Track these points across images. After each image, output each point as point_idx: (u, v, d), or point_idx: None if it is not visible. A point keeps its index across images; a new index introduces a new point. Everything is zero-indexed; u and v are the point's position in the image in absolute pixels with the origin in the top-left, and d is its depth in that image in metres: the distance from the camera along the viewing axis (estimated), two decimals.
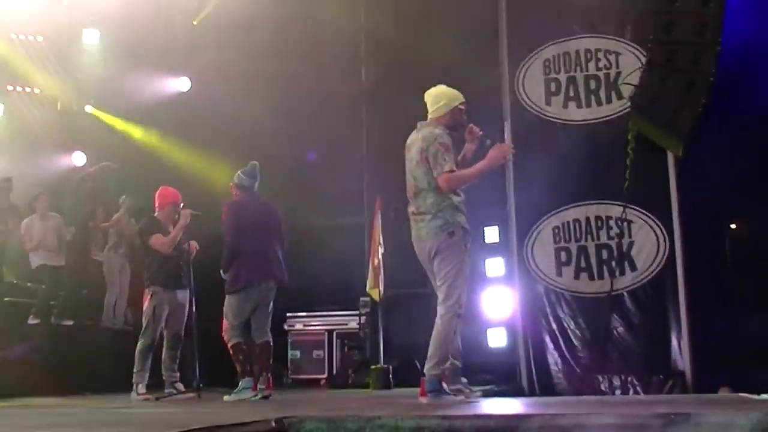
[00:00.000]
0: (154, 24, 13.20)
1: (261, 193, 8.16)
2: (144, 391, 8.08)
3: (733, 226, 11.57)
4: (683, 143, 8.69)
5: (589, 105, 9.24)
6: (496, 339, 9.66)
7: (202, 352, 8.23)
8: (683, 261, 8.65)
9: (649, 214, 8.81)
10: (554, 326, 8.89)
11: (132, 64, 13.33)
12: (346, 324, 12.04)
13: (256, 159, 8.21)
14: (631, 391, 8.47)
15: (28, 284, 11.21)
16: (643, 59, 8.99)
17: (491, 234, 9.87)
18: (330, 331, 12.07)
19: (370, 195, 12.01)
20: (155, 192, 8.67)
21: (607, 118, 9.13)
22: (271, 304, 7.89)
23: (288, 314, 12.14)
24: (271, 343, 7.86)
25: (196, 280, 8.28)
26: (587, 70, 9.29)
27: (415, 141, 6.20)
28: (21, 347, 9.52)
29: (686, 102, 8.56)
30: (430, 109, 6.27)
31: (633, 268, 8.79)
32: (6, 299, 10.67)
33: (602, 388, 8.56)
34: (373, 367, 10.88)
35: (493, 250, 9.83)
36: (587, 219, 8.98)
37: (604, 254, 8.89)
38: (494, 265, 9.79)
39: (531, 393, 8.63)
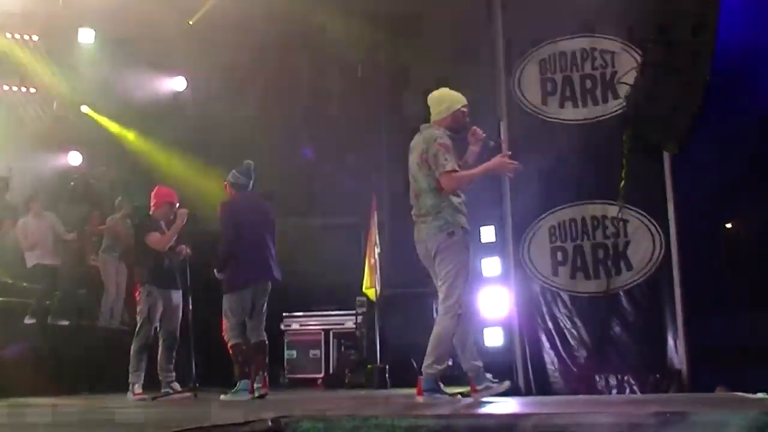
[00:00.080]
0: (149, 23, 13.18)
1: (256, 193, 8.17)
2: (140, 390, 8.08)
3: (728, 225, 11.60)
4: (679, 143, 8.69)
5: (585, 105, 9.23)
6: (493, 338, 9.67)
7: (198, 352, 8.24)
8: (679, 260, 8.65)
9: (645, 214, 8.81)
10: (550, 325, 8.88)
11: (128, 63, 13.32)
12: (343, 324, 12.06)
13: (252, 158, 8.22)
14: (628, 391, 8.47)
15: (24, 284, 11.20)
16: (639, 59, 8.99)
17: (487, 233, 9.88)
18: (326, 331, 12.09)
19: (367, 195, 12.01)
20: (151, 191, 8.67)
21: (603, 117, 9.13)
22: (266, 303, 7.90)
23: (284, 314, 12.16)
24: (267, 343, 7.87)
25: (192, 280, 8.28)
26: (583, 70, 9.28)
27: (416, 143, 6.24)
28: (17, 347, 9.51)
29: (682, 101, 8.57)
30: (432, 112, 6.32)
31: (629, 267, 8.78)
32: (1, 299, 10.66)
33: (598, 387, 8.55)
34: (369, 366, 10.90)
35: (489, 249, 9.83)
36: (583, 218, 8.98)
37: (600, 254, 8.88)
38: (490, 265, 9.80)
39: (527, 392, 8.63)
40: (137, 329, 8.21)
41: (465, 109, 6.29)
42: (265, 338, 7.86)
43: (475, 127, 6.31)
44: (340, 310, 12.15)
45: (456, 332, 6.09)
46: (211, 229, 8.30)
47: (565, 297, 8.89)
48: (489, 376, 6.24)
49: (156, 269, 8.23)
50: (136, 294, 8.41)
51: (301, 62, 12.91)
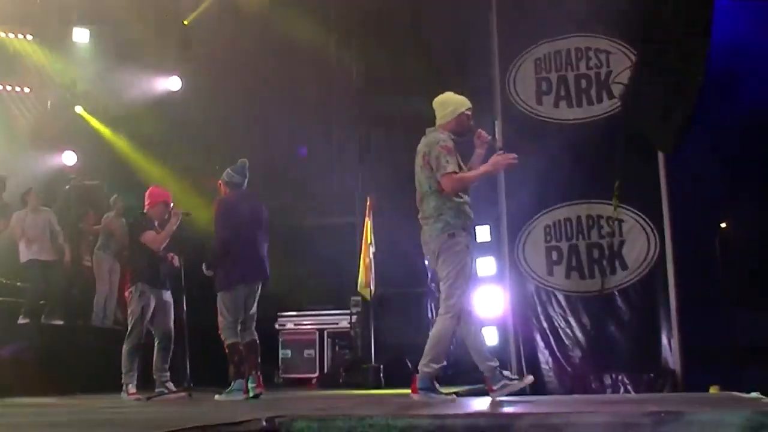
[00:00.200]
0: (144, 23, 13.17)
1: (251, 191, 8.16)
2: (134, 390, 8.06)
3: (723, 225, 11.63)
4: (672, 142, 8.71)
5: (580, 104, 9.25)
6: (488, 338, 9.67)
7: (192, 351, 8.23)
8: (674, 260, 8.67)
9: (640, 214, 8.83)
10: (545, 325, 8.89)
11: (122, 62, 13.30)
12: (337, 323, 12.05)
13: (248, 158, 8.22)
14: (622, 390, 8.48)
15: (18, 283, 11.17)
16: (634, 59, 9.01)
17: (482, 233, 9.90)
18: (321, 331, 12.08)
19: (362, 195, 12.02)
20: (144, 191, 8.67)
21: (598, 117, 9.15)
22: (256, 303, 7.90)
23: (279, 313, 12.16)
24: (258, 342, 7.86)
25: (186, 280, 8.27)
26: (578, 69, 9.30)
27: (420, 147, 6.30)
28: (11, 347, 9.49)
29: (676, 101, 8.58)
30: (437, 115, 6.37)
31: (624, 267, 8.80)
32: None
33: (593, 386, 8.57)
34: (364, 366, 10.90)
35: (485, 249, 9.86)
36: (578, 218, 8.99)
37: (595, 253, 8.90)
38: (485, 264, 9.81)
39: (522, 392, 8.64)
40: (129, 329, 8.18)
41: (469, 113, 6.35)
42: (256, 338, 7.85)
43: (480, 130, 6.37)
44: (334, 309, 12.15)
45: (456, 332, 6.11)
46: (205, 228, 8.29)
47: (560, 296, 8.91)
48: (507, 373, 6.25)
49: (149, 269, 8.22)
50: (126, 293, 8.39)
51: (297, 61, 12.89)
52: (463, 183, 6.10)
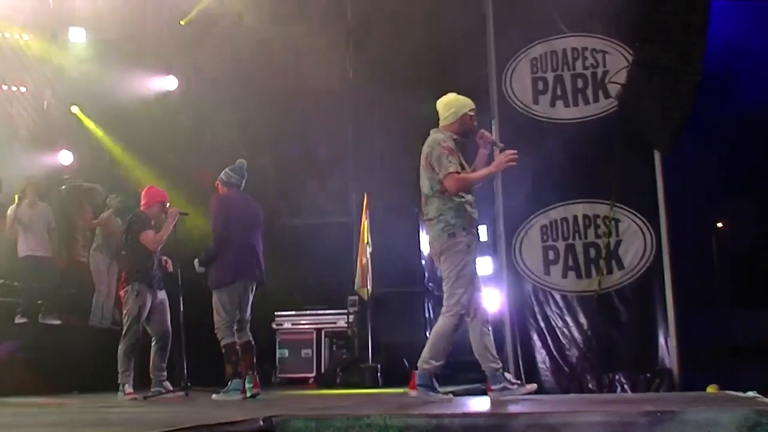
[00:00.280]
0: (140, 22, 13.17)
1: (248, 191, 8.17)
2: (131, 390, 8.06)
3: (719, 225, 11.65)
4: (669, 142, 8.72)
5: (576, 104, 9.24)
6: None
7: (189, 351, 8.23)
8: (670, 259, 8.67)
9: (637, 213, 8.83)
10: (542, 325, 8.89)
11: (118, 62, 13.29)
12: (335, 323, 12.05)
13: (243, 157, 8.23)
14: (619, 389, 8.49)
15: (15, 284, 11.16)
16: (630, 58, 9.02)
17: (480, 233, 9.90)
18: (318, 330, 12.08)
19: (359, 194, 12.02)
20: (141, 191, 8.67)
21: (595, 116, 9.14)
22: (250, 303, 7.90)
23: (276, 313, 12.16)
24: (253, 343, 7.87)
25: (182, 279, 8.27)
26: (574, 69, 9.29)
27: (423, 148, 6.31)
28: (8, 346, 9.48)
29: (673, 101, 8.59)
30: (441, 117, 6.41)
31: (620, 266, 8.80)
32: None
33: (590, 386, 8.57)
34: (361, 365, 10.90)
35: (482, 249, 9.81)
36: (575, 218, 8.99)
37: (592, 253, 8.90)
38: (482, 264, 9.81)
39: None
40: (125, 329, 8.18)
41: (473, 113, 6.39)
42: (251, 338, 7.86)
43: (482, 131, 6.39)
44: (331, 309, 12.15)
45: (457, 331, 6.11)
46: (201, 227, 8.29)
47: (557, 296, 8.91)
48: (509, 376, 6.25)
49: (146, 269, 8.23)
50: (121, 293, 8.39)
51: (292, 61, 12.90)
52: (466, 183, 6.13)
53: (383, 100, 12.44)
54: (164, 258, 8.41)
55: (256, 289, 7.93)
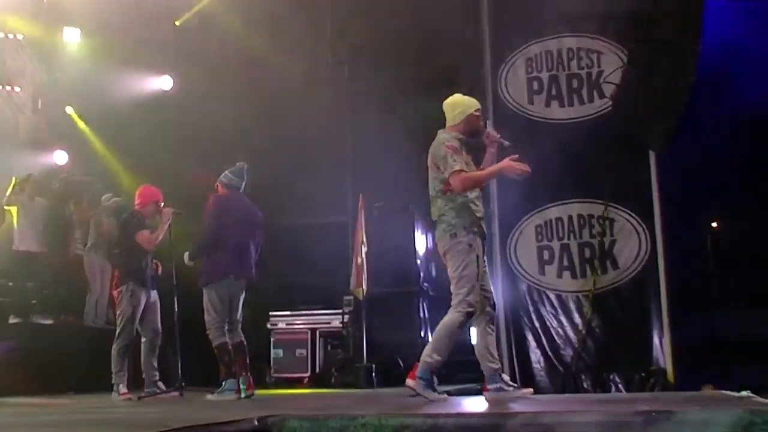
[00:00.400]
0: (135, 22, 13.15)
1: (245, 192, 8.17)
2: (125, 390, 8.05)
3: (714, 224, 11.65)
4: (664, 141, 8.73)
5: (571, 104, 9.26)
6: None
7: (184, 351, 8.22)
8: (665, 259, 8.69)
9: (631, 213, 8.85)
10: (537, 324, 8.91)
11: (113, 62, 13.26)
12: (330, 323, 12.04)
13: (239, 157, 8.23)
14: (613, 389, 8.50)
15: (10, 284, 11.13)
16: (625, 58, 9.04)
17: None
18: (313, 330, 12.06)
19: (354, 194, 12.02)
20: (136, 190, 8.67)
21: (589, 117, 9.16)
22: (241, 304, 7.89)
23: (271, 313, 12.14)
24: (245, 343, 7.86)
25: (177, 279, 8.27)
26: (569, 69, 9.32)
27: (430, 149, 6.32)
28: (2, 346, 9.46)
29: (667, 101, 8.61)
30: (447, 117, 6.43)
31: (615, 266, 8.82)
32: None
33: (584, 386, 8.59)
34: (356, 365, 10.89)
35: None
36: (570, 217, 9.01)
37: (587, 252, 8.92)
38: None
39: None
40: (119, 329, 8.16)
41: (478, 113, 6.42)
42: (243, 339, 7.86)
43: (489, 130, 6.42)
44: (326, 309, 12.13)
45: (461, 328, 6.12)
46: (197, 227, 8.28)
47: (552, 296, 8.92)
48: (506, 378, 6.26)
49: (139, 269, 8.22)
50: (115, 293, 8.38)
51: (288, 61, 12.88)
52: (472, 181, 6.13)
53: (379, 100, 12.44)
54: (155, 261, 8.43)
55: (246, 288, 7.92)
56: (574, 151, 8.92)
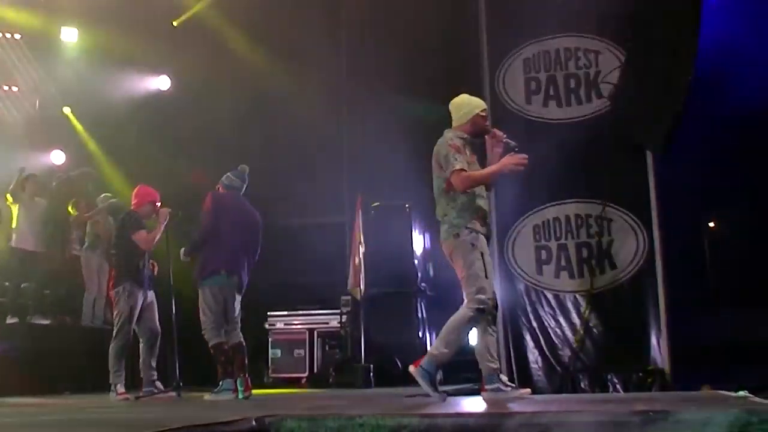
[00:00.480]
0: (133, 22, 13.14)
1: (246, 195, 8.17)
2: (123, 390, 8.05)
3: (711, 224, 11.67)
4: (662, 141, 8.74)
5: (569, 104, 9.26)
6: (476, 337, 9.69)
7: (181, 351, 8.22)
8: (662, 259, 8.68)
9: (629, 213, 8.84)
10: (534, 324, 8.90)
11: (111, 61, 13.26)
12: (327, 323, 12.03)
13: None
14: (611, 389, 8.50)
15: (6, 283, 11.12)
16: (622, 58, 9.04)
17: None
18: (311, 330, 12.06)
19: (352, 194, 12.01)
20: (132, 190, 8.67)
21: (587, 116, 9.16)
22: (239, 304, 7.86)
23: (269, 313, 12.14)
24: (244, 344, 7.85)
25: (174, 279, 8.26)
26: (567, 69, 9.31)
27: (434, 149, 6.33)
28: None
29: (665, 101, 8.61)
30: (453, 117, 6.46)
31: (613, 266, 8.82)
32: None
33: (582, 386, 8.59)
34: (354, 365, 10.89)
35: None
36: (567, 217, 9.01)
37: (584, 252, 8.92)
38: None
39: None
40: (117, 329, 8.15)
41: (484, 114, 6.44)
42: (242, 340, 7.84)
43: (494, 130, 6.42)
44: (324, 309, 12.13)
45: (470, 324, 6.11)
46: (194, 227, 8.27)
47: (550, 296, 8.92)
48: (504, 378, 6.26)
49: (136, 269, 8.22)
50: (111, 293, 8.37)
51: (285, 61, 12.89)
52: (472, 181, 6.14)
53: (376, 100, 12.44)
54: (151, 261, 8.42)
55: (240, 289, 7.90)
56: (572, 151, 8.91)
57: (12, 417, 5.62)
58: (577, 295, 8.85)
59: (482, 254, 6.10)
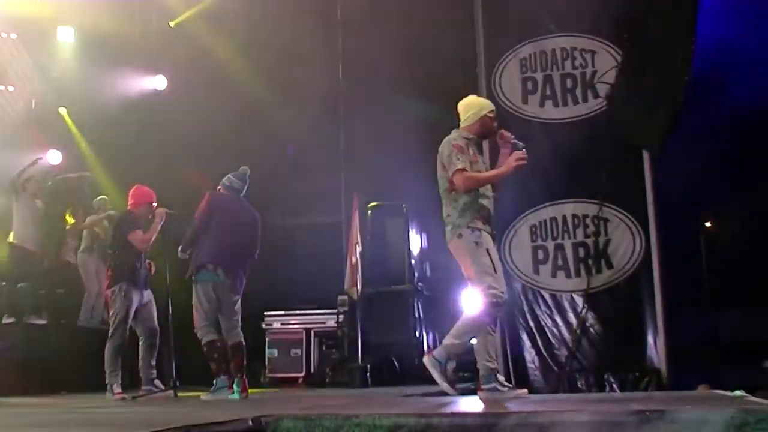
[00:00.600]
0: (129, 22, 13.13)
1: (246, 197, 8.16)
2: (119, 390, 8.03)
3: (707, 224, 11.69)
4: (658, 141, 8.75)
5: (565, 104, 9.27)
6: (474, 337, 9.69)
7: (178, 351, 8.21)
8: (659, 259, 8.70)
9: (625, 213, 8.86)
10: (531, 324, 8.92)
11: (107, 61, 13.23)
12: (324, 322, 12.02)
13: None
14: (608, 389, 8.51)
15: (3, 283, 11.10)
16: (619, 58, 9.04)
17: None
18: (308, 330, 12.05)
19: (348, 193, 12.01)
20: (128, 191, 8.65)
21: (584, 116, 9.17)
22: (238, 303, 7.83)
23: (266, 312, 12.12)
24: (244, 344, 7.82)
25: (171, 279, 8.25)
26: (563, 69, 9.32)
27: (439, 149, 6.35)
28: None
29: (661, 101, 8.62)
30: (461, 118, 6.49)
31: (609, 266, 8.83)
32: None
33: (579, 385, 8.60)
34: (350, 365, 10.88)
35: None
36: (564, 217, 9.02)
37: (581, 252, 8.93)
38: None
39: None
40: (112, 329, 8.13)
41: (492, 114, 6.45)
42: (242, 339, 7.81)
43: (502, 131, 6.42)
44: (321, 308, 12.11)
45: (488, 323, 6.12)
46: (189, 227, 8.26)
47: (546, 295, 8.93)
48: (501, 378, 6.27)
49: (133, 269, 8.20)
50: (107, 293, 8.35)
51: (282, 60, 12.87)
52: (474, 181, 6.15)
53: (373, 99, 12.43)
54: (148, 261, 8.41)
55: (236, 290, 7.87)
56: (569, 151, 8.93)
57: (9, 417, 5.61)
58: (574, 295, 8.86)
59: (488, 250, 6.10)
